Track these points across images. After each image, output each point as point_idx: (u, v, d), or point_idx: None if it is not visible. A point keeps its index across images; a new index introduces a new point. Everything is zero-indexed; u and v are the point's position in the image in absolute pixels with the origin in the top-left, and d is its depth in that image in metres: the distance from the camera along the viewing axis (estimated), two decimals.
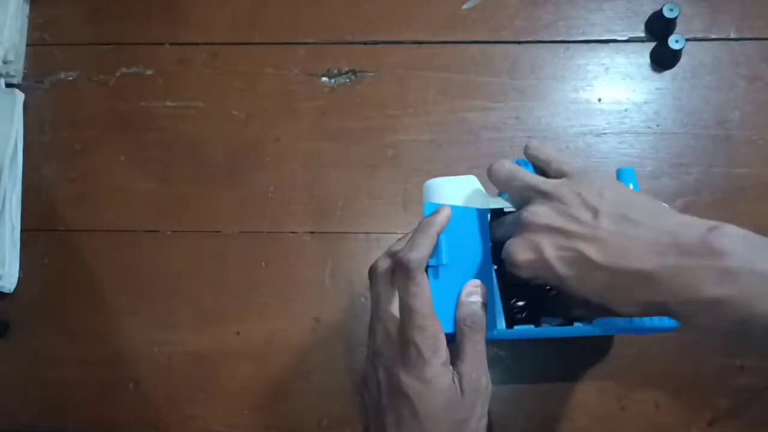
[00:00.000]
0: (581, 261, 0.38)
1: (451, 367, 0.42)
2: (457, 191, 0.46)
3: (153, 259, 0.62)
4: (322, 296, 0.60)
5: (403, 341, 0.41)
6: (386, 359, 0.42)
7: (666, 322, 0.45)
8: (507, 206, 0.46)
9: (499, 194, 0.47)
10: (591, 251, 0.37)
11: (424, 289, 0.41)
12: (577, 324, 0.46)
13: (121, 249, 0.62)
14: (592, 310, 0.44)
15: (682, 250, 0.35)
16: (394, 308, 0.43)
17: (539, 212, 0.40)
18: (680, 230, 0.36)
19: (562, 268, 0.38)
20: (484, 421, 0.42)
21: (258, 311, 0.60)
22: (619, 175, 0.49)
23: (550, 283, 0.40)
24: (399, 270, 0.42)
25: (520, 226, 0.41)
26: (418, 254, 0.41)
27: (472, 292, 0.44)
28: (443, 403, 0.40)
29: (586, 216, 0.38)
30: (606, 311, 0.39)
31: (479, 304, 0.43)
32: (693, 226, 0.36)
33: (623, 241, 0.37)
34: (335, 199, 0.62)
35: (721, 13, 0.62)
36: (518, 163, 0.46)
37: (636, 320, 0.45)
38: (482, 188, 0.47)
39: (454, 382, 0.41)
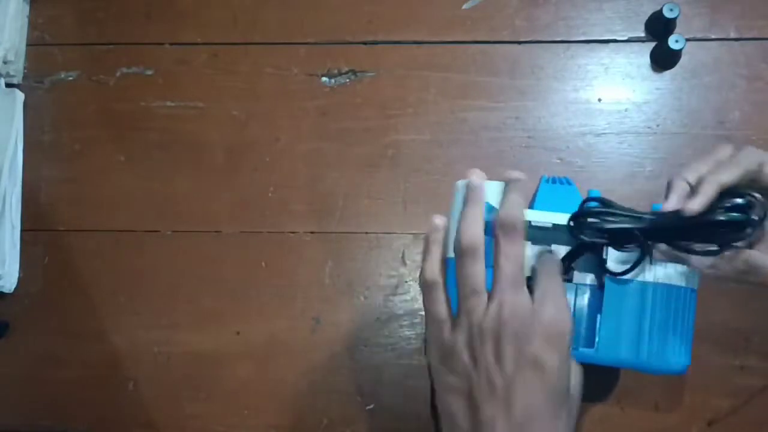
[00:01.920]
0: None
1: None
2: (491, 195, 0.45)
3: (153, 259, 0.62)
4: (322, 296, 0.60)
5: (543, 315, 0.39)
6: (517, 328, 0.38)
7: (675, 365, 0.45)
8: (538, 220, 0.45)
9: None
10: None
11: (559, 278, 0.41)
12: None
13: (121, 249, 0.62)
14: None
15: None
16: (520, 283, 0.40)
17: None
18: None
19: None
20: None
21: (258, 311, 0.60)
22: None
23: None
24: (508, 232, 0.40)
25: None
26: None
27: None
28: (567, 384, 0.40)
29: None
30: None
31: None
32: None
33: None
34: (335, 199, 0.62)
35: (721, 13, 0.62)
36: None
37: (645, 361, 0.45)
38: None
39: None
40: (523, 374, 0.38)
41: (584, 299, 0.46)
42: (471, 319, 0.39)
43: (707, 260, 0.44)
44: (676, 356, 0.45)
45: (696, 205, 0.41)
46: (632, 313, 0.45)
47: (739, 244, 0.42)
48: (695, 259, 0.44)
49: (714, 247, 0.41)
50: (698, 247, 0.42)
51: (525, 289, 0.39)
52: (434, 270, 0.41)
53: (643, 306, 0.45)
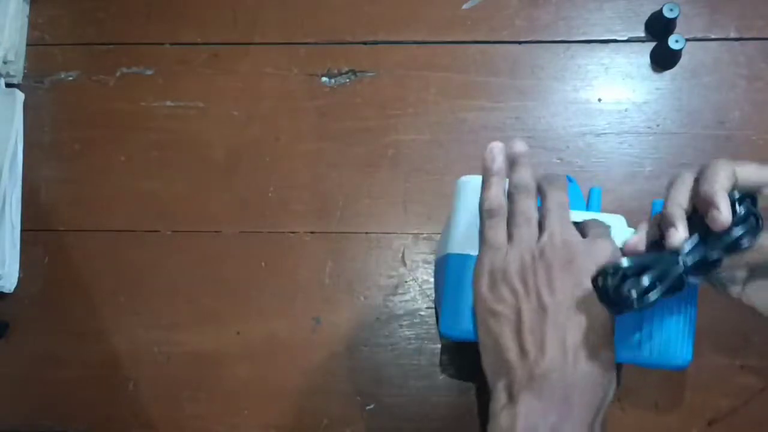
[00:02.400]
0: None
1: None
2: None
3: (153, 259, 0.62)
4: (322, 296, 0.60)
5: (597, 245, 0.40)
6: (572, 256, 0.39)
7: (677, 360, 0.45)
8: None
9: None
10: None
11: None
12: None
13: (121, 249, 0.62)
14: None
15: None
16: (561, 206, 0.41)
17: None
18: None
19: None
20: None
21: (258, 311, 0.60)
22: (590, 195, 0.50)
23: None
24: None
25: None
26: None
27: None
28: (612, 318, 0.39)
29: None
30: None
31: None
32: None
33: None
34: (335, 199, 0.62)
35: (721, 13, 0.62)
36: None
37: (647, 356, 0.45)
38: None
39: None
40: (574, 302, 0.38)
41: None
42: (523, 247, 0.40)
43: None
44: (678, 350, 0.45)
45: (723, 216, 0.36)
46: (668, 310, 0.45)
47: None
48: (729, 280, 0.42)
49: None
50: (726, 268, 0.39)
51: (573, 227, 0.40)
52: (495, 198, 0.41)
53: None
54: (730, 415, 0.56)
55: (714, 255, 0.37)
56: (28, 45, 0.66)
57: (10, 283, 0.61)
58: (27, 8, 0.66)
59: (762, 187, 0.38)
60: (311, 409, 0.59)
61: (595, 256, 0.39)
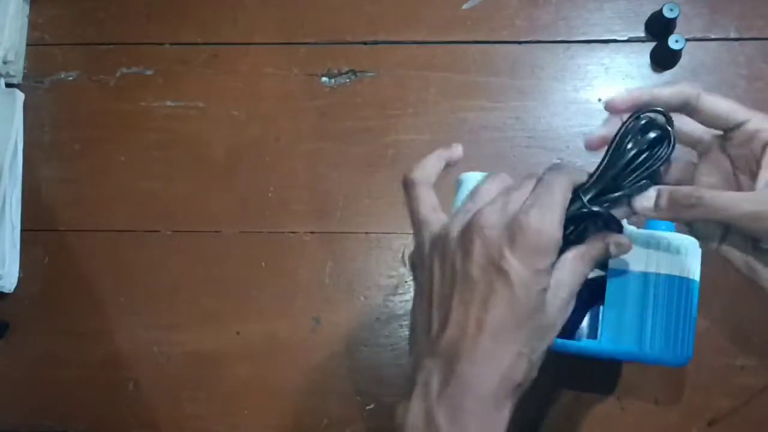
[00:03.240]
0: None
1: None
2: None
3: (153, 259, 0.62)
4: (322, 296, 0.60)
5: (522, 222, 0.36)
6: (492, 231, 0.37)
7: (677, 357, 0.45)
8: None
9: None
10: None
11: (567, 191, 0.38)
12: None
13: (121, 249, 0.62)
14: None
15: None
16: (522, 195, 0.38)
17: None
18: None
19: None
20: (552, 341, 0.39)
21: (258, 311, 0.60)
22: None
23: None
24: (553, 168, 0.39)
25: None
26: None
27: (621, 245, 0.39)
28: (539, 303, 0.37)
29: None
30: None
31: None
32: None
33: None
34: (335, 199, 0.62)
35: (721, 13, 0.62)
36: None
37: (648, 352, 0.45)
38: None
39: (551, 288, 0.37)
40: (487, 280, 0.36)
41: (587, 292, 0.47)
42: (453, 222, 0.38)
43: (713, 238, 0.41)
44: (678, 348, 0.45)
45: (622, 101, 0.38)
46: (635, 305, 0.45)
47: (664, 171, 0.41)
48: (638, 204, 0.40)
49: (644, 182, 0.39)
50: (631, 189, 0.39)
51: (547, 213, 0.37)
52: (422, 171, 0.41)
53: (645, 297, 0.45)
54: (730, 415, 0.56)
55: (609, 175, 0.38)
56: (28, 45, 0.66)
57: (10, 283, 0.61)
58: (27, 8, 0.66)
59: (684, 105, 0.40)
60: (311, 409, 0.59)
61: (523, 233, 0.36)
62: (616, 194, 0.39)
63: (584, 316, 0.47)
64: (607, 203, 0.39)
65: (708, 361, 0.57)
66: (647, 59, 0.62)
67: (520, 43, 0.63)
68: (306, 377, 0.59)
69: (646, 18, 0.62)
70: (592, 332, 0.46)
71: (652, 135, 0.38)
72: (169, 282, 0.61)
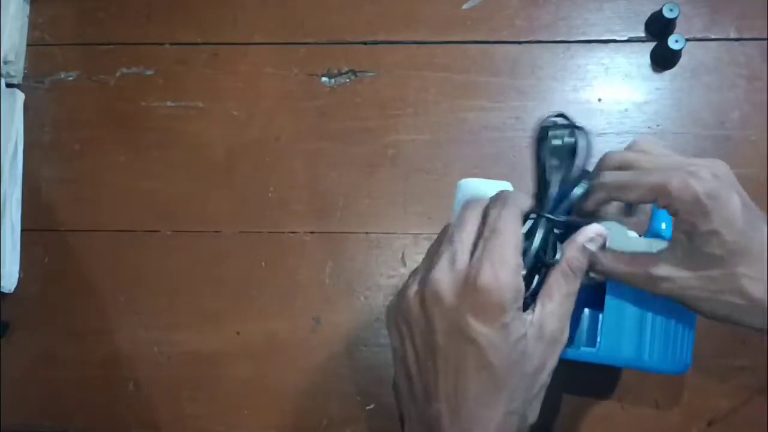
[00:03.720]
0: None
1: (526, 314, 0.37)
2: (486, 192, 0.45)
3: (153, 259, 0.62)
4: (322, 296, 0.60)
5: (477, 283, 0.35)
6: (447, 298, 0.36)
7: (677, 365, 0.45)
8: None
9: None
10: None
11: (516, 228, 0.37)
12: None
13: (121, 249, 0.62)
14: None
15: None
16: (468, 238, 0.38)
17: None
18: None
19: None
20: (552, 370, 0.39)
21: (258, 311, 0.60)
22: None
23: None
24: (497, 202, 0.38)
25: None
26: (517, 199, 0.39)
27: (594, 239, 0.39)
28: (517, 354, 0.36)
29: None
30: None
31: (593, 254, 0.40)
32: None
33: None
34: (335, 199, 0.62)
35: (721, 13, 0.62)
36: None
37: (647, 360, 0.45)
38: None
39: (529, 330, 0.36)
40: (456, 348, 0.36)
41: (585, 296, 0.46)
42: (409, 286, 0.38)
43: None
44: (677, 356, 0.45)
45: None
46: (634, 312, 0.44)
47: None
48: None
49: (582, 182, 0.41)
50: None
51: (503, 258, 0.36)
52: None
53: (644, 305, 0.45)
54: (730, 415, 0.56)
55: (550, 191, 0.40)
56: (28, 45, 0.66)
57: (10, 283, 0.61)
58: (27, 8, 0.66)
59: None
60: (311, 409, 0.59)
61: (478, 292, 0.35)
62: (566, 202, 0.39)
63: (582, 318, 0.47)
64: (564, 214, 0.40)
65: (707, 362, 0.57)
66: (647, 59, 0.62)
67: (520, 43, 0.63)
68: (306, 377, 0.59)
69: (646, 18, 0.62)
70: (591, 340, 0.46)
71: (560, 138, 0.39)
72: (169, 282, 0.61)
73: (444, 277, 0.36)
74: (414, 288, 0.38)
